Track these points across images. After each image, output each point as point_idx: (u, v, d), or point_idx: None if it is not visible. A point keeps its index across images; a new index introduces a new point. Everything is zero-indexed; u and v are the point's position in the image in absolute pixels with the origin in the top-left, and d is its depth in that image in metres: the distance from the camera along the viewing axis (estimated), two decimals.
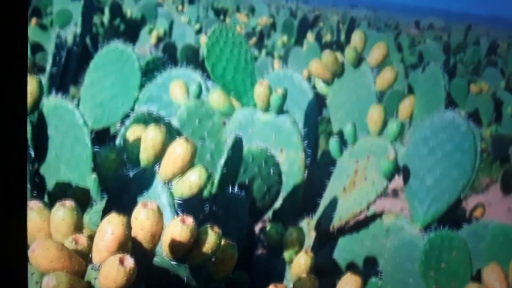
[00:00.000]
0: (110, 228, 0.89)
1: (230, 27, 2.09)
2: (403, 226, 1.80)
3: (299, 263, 1.42)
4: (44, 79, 2.54)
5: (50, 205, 0.97)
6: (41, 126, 1.42)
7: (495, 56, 9.40)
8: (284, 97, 1.96)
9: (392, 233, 1.80)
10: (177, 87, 1.96)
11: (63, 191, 1.36)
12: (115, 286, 0.85)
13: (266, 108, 1.99)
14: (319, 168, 2.23)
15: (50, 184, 1.43)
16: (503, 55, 9.30)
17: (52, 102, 1.42)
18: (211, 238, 1.04)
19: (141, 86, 2.07)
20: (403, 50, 8.35)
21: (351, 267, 1.91)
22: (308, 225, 2.00)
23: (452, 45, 9.73)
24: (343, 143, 2.03)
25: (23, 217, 0.85)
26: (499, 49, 10.63)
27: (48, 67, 2.59)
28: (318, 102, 2.36)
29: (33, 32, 5.35)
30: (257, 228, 1.96)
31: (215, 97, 1.99)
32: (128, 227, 0.91)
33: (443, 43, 9.84)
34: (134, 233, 0.96)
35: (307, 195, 2.08)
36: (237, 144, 1.64)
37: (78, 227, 0.95)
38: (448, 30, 16.59)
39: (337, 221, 1.88)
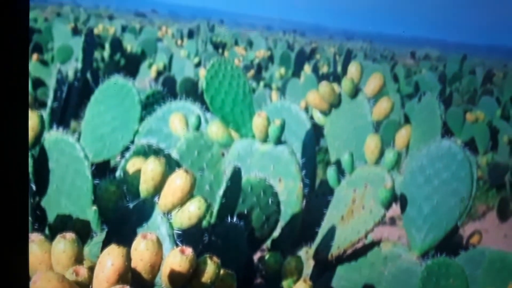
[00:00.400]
0: (110, 260, 0.90)
1: (228, 60, 2.13)
2: (401, 253, 1.80)
3: None
4: (45, 114, 2.57)
5: (51, 238, 0.98)
6: (42, 160, 1.44)
7: (490, 85, 9.47)
8: (282, 127, 1.98)
9: (390, 261, 1.80)
10: (177, 120, 1.98)
11: (64, 223, 1.37)
12: None
13: (265, 139, 2.02)
14: (317, 197, 2.25)
15: (51, 217, 1.44)
16: (498, 83, 9.38)
17: (53, 136, 1.44)
18: (210, 268, 1.05)
19: (141, 119, 2.10)
20: (399, 80, 8.43)
21: None
22: (306, 254, 2.00)
23: (448, 75, 9.82)
24: (340, 173, 2.04)
25: (25, 249, 0.86)
26: (494, 78, 10.72)
27: (49, 102, 2.61)
28: (316, 132, 2.38)
29: (34, 67, 5.42)
30: (256, 257, 1.96)
31: (214, 129, 2.02)
32: (128, 258, 0.92)
33: (439, 73, 9.93)
34: (133, 264, 0.97)
35: (306, 224, 2.09)
36: (236, 174, 1.65)
37: (78, 259, 0.96)
38: (444, 60, 16.75)
39: (335, 250, 1.88)
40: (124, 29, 11.52)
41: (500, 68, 16.66)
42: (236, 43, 13.11)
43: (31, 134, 1.32)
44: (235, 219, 1.65)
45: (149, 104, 2.41)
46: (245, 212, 1.80)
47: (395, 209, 1.88)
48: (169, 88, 4.26)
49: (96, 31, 8.42)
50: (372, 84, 2.23)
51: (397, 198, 1.86)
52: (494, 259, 1.50)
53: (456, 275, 1.42)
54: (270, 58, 9.44)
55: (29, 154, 1.40)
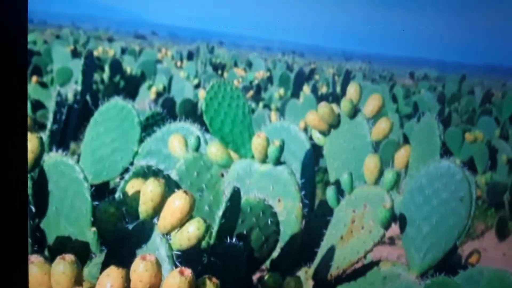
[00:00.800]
0: (109, 281, 0.90)
1: (227, 82, 2.15)
2: (400, 273, 1.80)
3: None
4: (45, 136, 2.57)
5: (50, 259, 0.98)
6: (41, 182, 1.45)
7: (489, 104, 9.50)
8: (281, 148, 1.99)
9: (389, 280, 1.79)
10: (176, 141, 1.99)
11: (63, 245, 1.37)
12: None
13: (264, 160, 2.02)
14: (317, 217, 2.24)
15: (50, 239, 1.44)
16: (497, 103, 9.41)
17: (52, 159, 1.45)
18: None
19: (141, 140, 2.11)
20: (398, 101, 8.47)
21: None
22: (305, 274, 1.99)
23: (446, 95, 9.88)
24: (340, 193, 2.04)
25: (24, 271, 0.86)
26: (493, 98, 10.76)
27: (48, 124, 2.62)
28: (315, 153, 2.39)
29: (33, 90, 5.45)
30: (255, 278, 1.95)
31: (213, 150, 2.03)
32: (127, 279, 0.93)
33: (437, 93, 9.98)
34: (133, 285, 0.97)
35: (305, 244, 2.08)
36: (235, 195, 1.65)
37: (78, 281, 0.96)
38: (443, 80, 16.86)
39: (334, 270, 1.87)
40: (123, 51, 11.63)
41: (498, 87, 16.74)
42: (236, 64, 13.21)
43: (30, 156, 1.32)
44: (234, 239, 1.65)
45: (148, 126, 2.42)
46: (244, 232, 1.80)
47: (394, 228, 1.88)
48: (168, 110, 4.29)
49: (95, 53, 8.49)
50: (371, 105, 2.24)
51: (396, 218, 1.86)
52: (493, 278, 1.50)
53: None
54: (269, 79, 9.51)
55: (29, 176, 1.40)
